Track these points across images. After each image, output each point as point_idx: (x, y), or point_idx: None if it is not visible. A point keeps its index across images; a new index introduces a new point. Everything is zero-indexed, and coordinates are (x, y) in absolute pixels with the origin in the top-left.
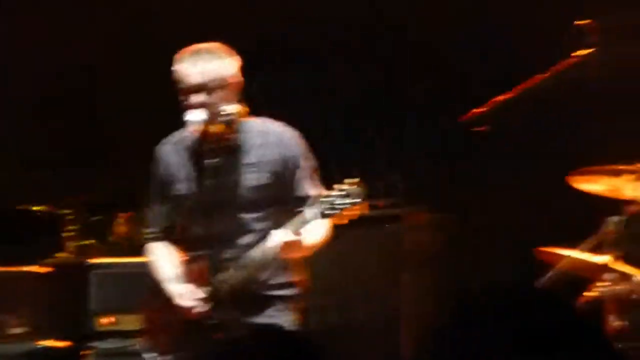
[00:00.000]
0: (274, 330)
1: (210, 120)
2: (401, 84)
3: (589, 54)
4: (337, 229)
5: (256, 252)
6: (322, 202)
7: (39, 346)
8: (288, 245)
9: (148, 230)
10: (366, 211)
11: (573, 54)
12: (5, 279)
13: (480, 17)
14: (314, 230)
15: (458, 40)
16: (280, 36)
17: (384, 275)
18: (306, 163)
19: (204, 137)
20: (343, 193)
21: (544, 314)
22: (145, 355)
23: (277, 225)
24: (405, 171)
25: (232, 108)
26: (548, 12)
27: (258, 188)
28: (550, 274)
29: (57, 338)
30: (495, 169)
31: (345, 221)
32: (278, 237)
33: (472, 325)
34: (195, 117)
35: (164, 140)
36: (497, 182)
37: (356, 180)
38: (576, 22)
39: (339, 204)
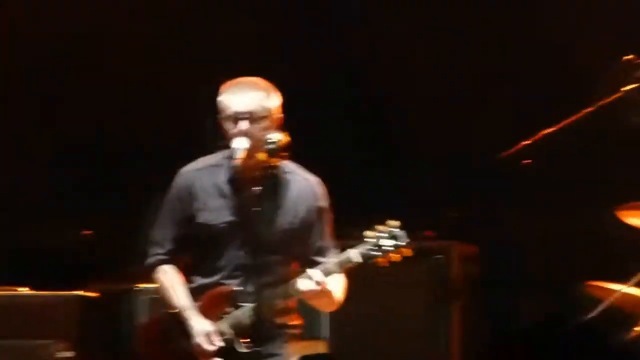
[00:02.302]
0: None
1: (254, 148)
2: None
3: (634, 88)
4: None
5: (284, 289)
6: (367, 242)
7: None
8: (316, 292)
9: (153, 251)
10: (410, 253)
11: (620, 89)
12: (53, 303)
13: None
14: (335, 283)
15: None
16: None
17: (434, 307)
18: (328, 216)
19: (246, 166)
20: (387, 235)
21: (590, 348)
22: None
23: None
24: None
25: (276, 136)
26: (595, 47)
27: (288, 231)
28: (599, 308)
29: None
30: (542, 203)
31: (387, 264)
32: (314, 276)
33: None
34: (240, 144)
35: (189, 166)
36: (544, 215)
37: (398, 222)
38: (623, 58)
39: (385, 246)
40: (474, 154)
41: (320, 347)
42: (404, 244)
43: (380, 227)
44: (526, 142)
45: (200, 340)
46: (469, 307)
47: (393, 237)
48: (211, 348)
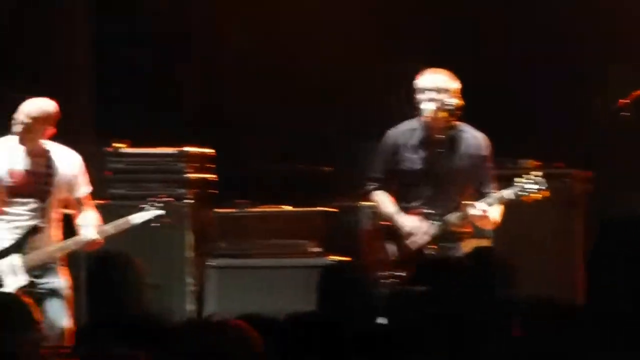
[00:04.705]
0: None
1: (437, 110)
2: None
3: None
4: None
5: (459, 214)
6: (517, 185)
7: (329, 260)
8: (482, 216)
9: (370, 183)
10: (547, 194)
11: None
12: (306, 215)
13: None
14: (495, 210)
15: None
16: None
17: (564, 211)
18: (489, 161)
19: (433, 123)
20: (532, 181)
21: None
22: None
23: (468, 199)
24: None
25: (453, 101)
26: None
27: (462, 172)
28: None
29: (342, 255)
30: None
31: (529, 201)
32: (480, 207)
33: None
34: (429, 106)
35: (393, 129)
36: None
37: (540, 172)
38: None
39: (528, 189)
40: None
41: (484, 243)
42: (543, 187)
43: (526, 175)
44: (624, 100)
45: (411, 231)
46: (586, 210)
47: (536, 182)
48: (421, 235)
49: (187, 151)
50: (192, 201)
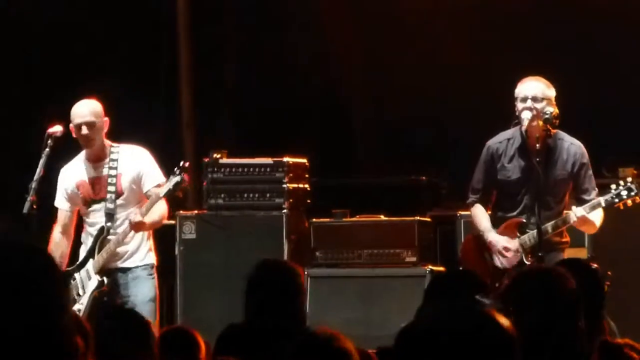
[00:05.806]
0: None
1: (535, 118)
2: None
3: None
4: None
5: (558, 220)
6: (611, 192)
7: (424, 269)
8: (583, 220)
9: (471, 195)
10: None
11: None
12: (401, 225)
13: None
14: (595, 215)
15: None
16: None
17: None
18: (588, 169)
19: (530, 131)
20: (624, 188)
21: None
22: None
23: (566, 206)
24: None
25: (550, 110)
26: None
27: (560, 181)
28: None
29: (437, 265)
30: None
31: (622, 207)
32: (579, 213)
33: None
34: (526, 115)
35: (493, 139)
36: None
37: (631, 179)
38: None
39: (622, 196)
40: None
41: (581, 253)
42: (634, 194)
43: (621, 182)
44: None
45: (498, 249)
46: None
47: (628, 189)
48: (506, 252)
49: (285, 161)
50: (289, 211)
